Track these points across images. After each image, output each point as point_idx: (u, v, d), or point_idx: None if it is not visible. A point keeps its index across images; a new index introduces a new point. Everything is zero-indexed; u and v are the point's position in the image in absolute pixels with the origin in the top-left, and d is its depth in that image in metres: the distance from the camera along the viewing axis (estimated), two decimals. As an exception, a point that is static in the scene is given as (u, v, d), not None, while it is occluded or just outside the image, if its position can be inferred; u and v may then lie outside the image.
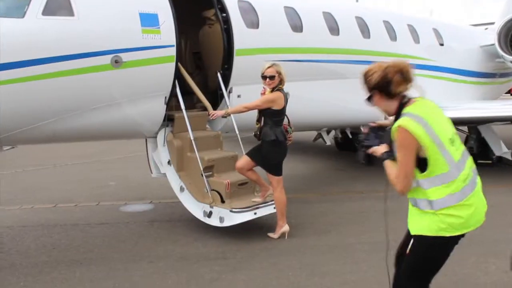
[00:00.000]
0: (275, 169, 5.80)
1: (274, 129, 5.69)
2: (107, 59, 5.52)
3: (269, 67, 5.74)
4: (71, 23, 5.31)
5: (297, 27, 7.62)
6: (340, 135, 11.22)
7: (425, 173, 2.71)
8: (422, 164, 2.70)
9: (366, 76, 2.83)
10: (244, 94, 6.87)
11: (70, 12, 5.33)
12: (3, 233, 6.33)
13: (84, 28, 5.38)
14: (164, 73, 6.03)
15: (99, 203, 7.74)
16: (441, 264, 2.91)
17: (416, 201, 2.80)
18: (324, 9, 8.29)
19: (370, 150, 2.95)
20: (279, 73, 5.72)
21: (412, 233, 2.86)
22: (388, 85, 2.74)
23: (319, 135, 10.21)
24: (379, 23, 9.27)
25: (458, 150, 2.77)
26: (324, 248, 5.54)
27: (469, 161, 2.84)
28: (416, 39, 10.19)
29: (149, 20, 5.82)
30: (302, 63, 7.52)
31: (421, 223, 2.79)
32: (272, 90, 5.72)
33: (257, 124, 5.76)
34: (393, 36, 9.49)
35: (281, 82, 5.74)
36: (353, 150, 12.26)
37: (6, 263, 5.27)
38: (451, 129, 2.79)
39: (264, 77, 5.74)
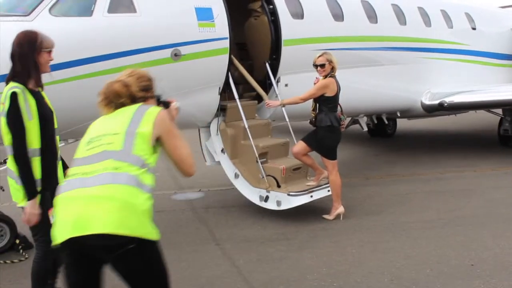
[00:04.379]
0: (330, 154, 6.14)
1: (329, 115, 6.02)
2: (167, 53, 5.86)
3: (320, 56, 6.09)
4: (134, 19, 5.66)
5: (338, 16, 7.91)
6: (375, 121, 11.49)
7: None
8: None
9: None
10: (291, 83, 7.19)
11: (132, 9, 5.68)
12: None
13: (146, 23, 5.73)
14: (219, 65, 6.36)
15: (149, 193, 8.11)
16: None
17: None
18: (361, -2, 8.58)
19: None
20: (330, 61, 6.05)
21: None
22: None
23: (354, 122, 10.50)
24: (414, 10, 9.53)
25: (92, 150, 2.63)
26: (380, 227, 5.88)
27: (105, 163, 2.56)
28: (449, 24, 10.43)
29: (204, 14, 6.15)
30: (344, 52, 7.80)
31: None
32: (325, 77, 6.05)
33: (312, 113, 6.10)
34: (427, 21, 9.74)
35: (333, 69, 6.07)
36: (384, 135, 12.59)
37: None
38: (101, 130, 2.69)
39: (315, 66, 6.08)
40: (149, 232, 2.49)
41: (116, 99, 2.73)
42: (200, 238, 5.83)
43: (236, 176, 6.60)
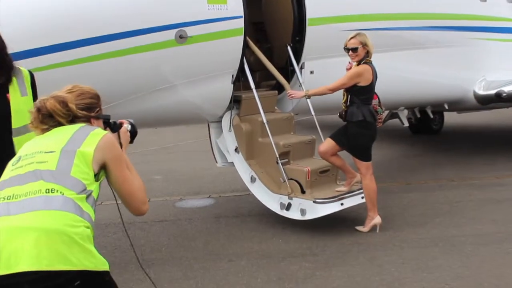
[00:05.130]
0: (363, 154, 6.12)
1: (362, 108, 5.99)
2: (171, 34, 5.88)
3: (352, 38, 6.06)
4: (132, -6, 5.70)
5: (373, -11, 7.89)
6: (417, 115, 11.42)
7: None
8: None
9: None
10: (318, 69, 7.19)
11: (130, -19, 5.72)
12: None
13: None
14: (232, 48, 6.37)
15: (150, 199, 8.11)
16: None
17: None
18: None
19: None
20: (364, 44, 6.02)
21: None
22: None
23: (392, 116, 10.45)
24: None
25: (19, 169, 2.55)
26: (424, 241, 5.85)
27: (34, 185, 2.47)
28: (511, -5, 10.33)
29: (214, -11, 6.17)
30: (380, 32, 7.76)
31: None
32: (359, 63, 6.03)
33: (343, 105, 6.08)
34: (483, -7, 9.67)
35: (368, 54, 6.04)
36: (429, 132, 12.51)
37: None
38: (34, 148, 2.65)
39: (347, 50, 6.06)
40: (95, 262, 2.38)
41: (49, 119, 2.69)
42: (209, 253, 5.85)
43: (253, 179, 6.61)
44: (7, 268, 2.26)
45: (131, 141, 3.06)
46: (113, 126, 2.95)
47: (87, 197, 2.48)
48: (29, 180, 2.46)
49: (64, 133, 2.64)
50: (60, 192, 2.42)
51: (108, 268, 2.46)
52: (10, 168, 2.58)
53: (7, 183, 2.51)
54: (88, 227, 2.41)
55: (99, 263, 2.40)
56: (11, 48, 3.79)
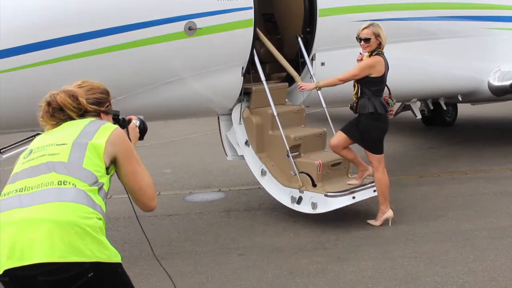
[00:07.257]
0: (375, 147, 6.11)
1: (373, 100, 5.98)
2: (180, 26, 5.88)
3: (365, 28, 6.04)
4: (141, -15, 5.71)
5: (386, -21, 7.85)
6: (430, 107, 11.37)
7: None
8: None
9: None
10: (329, 61, 7.16)
11: (138, -27, 5.73)
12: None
13: (154, -10, 5.78)
14: (242, 40, 6.36)
15: (160, 193, 8.19)
16: None
17: None
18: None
19: None
20: (377, 35, 6.00)
21: None
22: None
23: (405, 108, 10.42)
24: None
25: (31, 161, 2.60)
26: (437, 235, 5.86)
27: (44, 177, 2.51)
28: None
29: (223, -21, 6.17)
30: (393, 22, 7.72)
31: None
32: (371, 54, 6.01)
33: (354, 97, 6.08)
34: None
35: (380, 45, 6.02)
36: (442, 124, 12.47)
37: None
38: (46, 141, 2.69)
39: (359, 39, 6.05)
40: (108, 254, 2.43)
41: (60, 112, 2.74)
42: (219, 247, 5.90)
43: (263, 173, 6.63)
44: (20, 260, 2.31)
45: (141, 138, 3.10)
46: (122, 122, 2.99)
47: (99, 189, 2.52)
48: (42, 172, 2.51)
49: (75, 127, 2.69)
50: (73, 184, 2.46)
51: (120, 259, 2.51)
52: (22, 161, 2.63)
53: (19, 176, 2.56)
54: (100, 219, 2.46)
55: (112, 255, 2.46)
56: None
